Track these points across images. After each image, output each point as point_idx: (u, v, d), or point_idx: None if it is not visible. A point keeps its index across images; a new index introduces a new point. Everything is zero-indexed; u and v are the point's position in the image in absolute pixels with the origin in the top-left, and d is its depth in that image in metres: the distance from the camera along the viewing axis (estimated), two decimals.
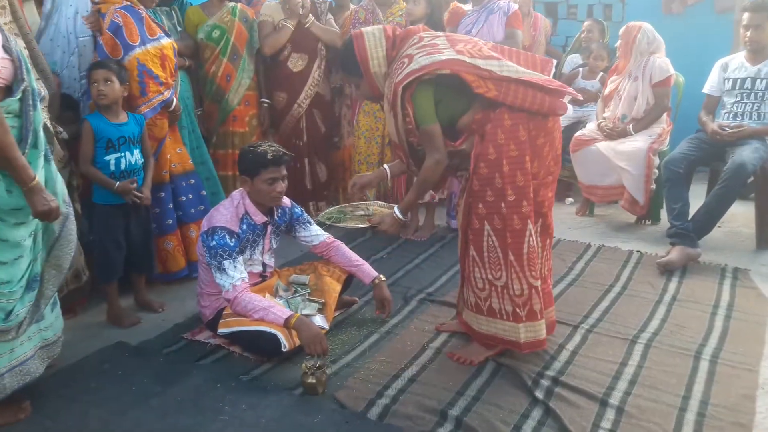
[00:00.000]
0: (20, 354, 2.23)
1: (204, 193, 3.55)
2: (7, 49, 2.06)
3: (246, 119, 4.04)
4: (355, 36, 2.57)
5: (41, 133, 2.16)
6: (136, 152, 3.01)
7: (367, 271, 3.04)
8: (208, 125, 4.01)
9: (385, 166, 2.87)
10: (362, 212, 2.90)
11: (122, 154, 2.94)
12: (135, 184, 2.96)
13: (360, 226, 2.80)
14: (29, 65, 2.15)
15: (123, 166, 2.95)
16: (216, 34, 3.85)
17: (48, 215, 2.11)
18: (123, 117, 2.97)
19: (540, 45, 5.13)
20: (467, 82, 2.36)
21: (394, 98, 2.44)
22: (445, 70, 2.36)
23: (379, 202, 3.17)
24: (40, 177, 2.12)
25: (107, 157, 2.91)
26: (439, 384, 2.48)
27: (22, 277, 2.17)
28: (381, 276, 3.02)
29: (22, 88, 2.07)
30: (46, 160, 2.21)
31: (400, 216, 2.62)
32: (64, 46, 3.05)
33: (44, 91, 2.29)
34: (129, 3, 3.09)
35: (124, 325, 3.01)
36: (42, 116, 2.18)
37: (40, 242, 2.26)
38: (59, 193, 2.25)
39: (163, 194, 3.32)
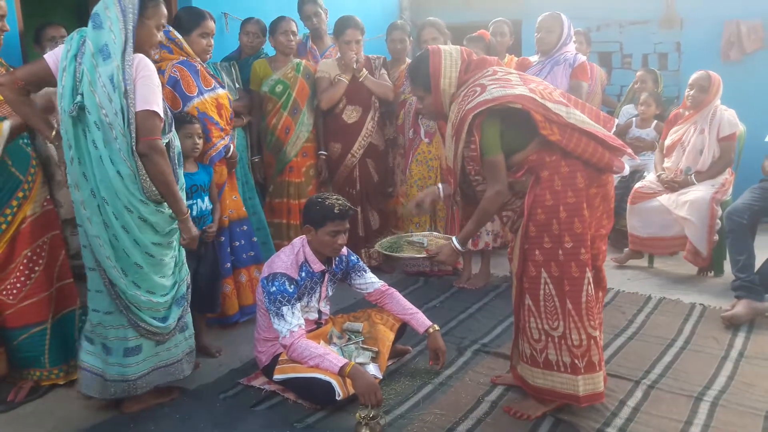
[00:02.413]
0: (168, 357, 2.68)
1: (255, 239, 3.63)
2: (165, 111, 2.51)
3: (302, 170, 4.15)
4: (432, 51, 2.59)
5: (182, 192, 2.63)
6: (206, 199, 3.16)
7: (421, 320, 3.02)
8: (266, 174, 4.15)
9: (439, 184, 2.87)
10: (418, 242, 2.90)
11: (194, 201, 3.08)
12: (211, 231, 3.19)
13: (417, 256, 2.79)
14: (175, 132, 2.66)
15: (194, 213, 3.08)
16: (279, 88, 4.02)
17: (194, 241, 2.61)
18: (194, 167, 3.14)
19: (596, 95, 5.10)
20: (535, 120, 2.37)
21: (460, 124, 2.45)
22: (517, 104, 2.37)
23: (435, 233, 3.17)
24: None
25: None
26: None
27: (167, 293, 2.60)
28: (435, 326, 3.00)
29: (166, 136, 2.50)
30: None
31: (458, 246, 2.60)
32: None
33: None
34: (185, 58, 3.26)
35: None
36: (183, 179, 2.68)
37: (185, 270, 2.74)
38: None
39: (222, 238, 3.42)
